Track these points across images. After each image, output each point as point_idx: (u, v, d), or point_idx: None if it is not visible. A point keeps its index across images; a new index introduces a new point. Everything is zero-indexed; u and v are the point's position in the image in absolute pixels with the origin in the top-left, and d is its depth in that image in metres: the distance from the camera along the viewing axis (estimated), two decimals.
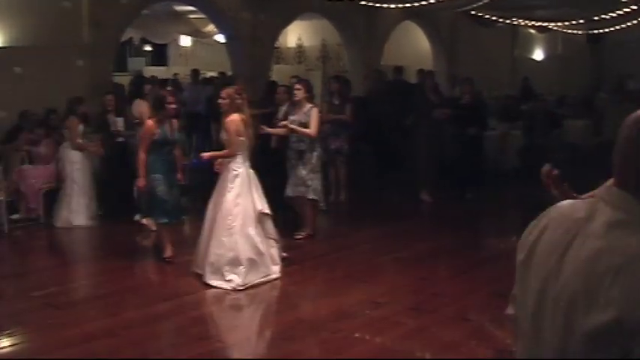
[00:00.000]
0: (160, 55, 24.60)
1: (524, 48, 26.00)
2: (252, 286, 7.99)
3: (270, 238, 8.38)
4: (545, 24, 22.48)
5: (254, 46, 16.66)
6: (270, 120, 11.00)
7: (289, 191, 10.07)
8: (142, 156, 8.93)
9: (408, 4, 16.46)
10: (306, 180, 9.97)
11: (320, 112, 10.41)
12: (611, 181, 2.10)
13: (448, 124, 13.16)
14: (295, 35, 23.01)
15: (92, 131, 11.58)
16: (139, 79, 15.21)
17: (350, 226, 11.59)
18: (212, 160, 8.62)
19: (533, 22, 22.39)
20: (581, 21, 21.18)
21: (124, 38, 16.50)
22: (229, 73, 17.18)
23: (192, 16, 20.64)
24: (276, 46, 19.55)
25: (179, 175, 9.21)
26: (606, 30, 22.19)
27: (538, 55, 26.70)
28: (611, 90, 21.57)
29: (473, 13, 19.60)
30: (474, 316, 7.35)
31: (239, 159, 8.30)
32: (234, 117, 8.34)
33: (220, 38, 18.98)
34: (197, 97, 17.02)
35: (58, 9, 12.76)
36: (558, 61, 25.91)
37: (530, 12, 20.99)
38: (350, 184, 13.07)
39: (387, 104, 15.29)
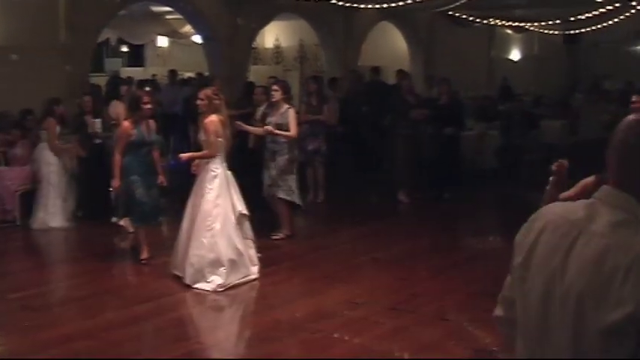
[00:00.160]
0: (136, 56, 24.49)
1: (500, 48, 26.11)
2: (231, 287, 7.99)
3: (248, 239, 8.38)
4: (522, 24, 22.60)
5: (231, 46, 16.63)
6: (248, 121, 10.98)
7: (264, 191, 10.11)
8: (117, 157, 8.92)
9: (385, 5, 16.51)
10: (277, 180, 9.99)
11: (297, 112, 10.41)
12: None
13: (426, 124, 13.20)
14: (273, 36, 22.99)
15: (69, 132, 11.51)
16: (116, 80, 15.15)
17: (328, 226, 11.60)
18: (190, 161, 8.61)
19: (510, 23, 22.50)
20: (558, 21, 21.31)
21: (100, 39, 16.43)
22: (206, 73, 17.13)
23: (169, 16, 20.55)
24: (253, 46, 19.53)
25: (160, 178, 9.18)
26: (582, 30, 22.34)
27: (515, 55, 26.83)
28: (587, 90, 21.70)
29: (450, 13, 19.68)
30: (452, 316, 7.37)
31: (217, 160, 8.28)
32: (213, 118, 8.32)
33: (197, 39, 18.93)
34: (174, 97, 16.94)
35: (34, 10, 12.67)
36: (535, 62, 26.04)
37: (507, 12, 21.10)
38: (328, 184, 13.07)
39: (364, 105, 15.33)
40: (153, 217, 9.22)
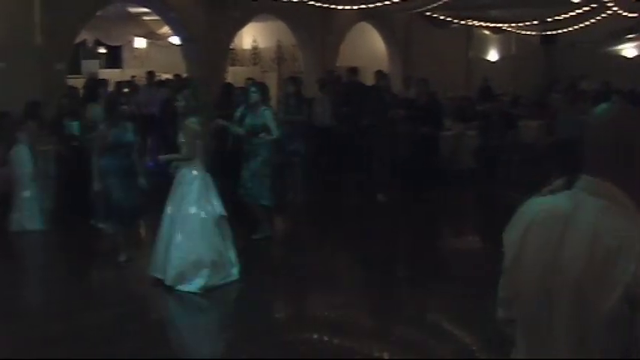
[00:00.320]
0: (114, 58, 24.36)
1: (478, 49, 26.23)
2: (211, 289, 7.96)
3: (228, 240, 8.36)
4: (500, 25, 22.71)
5: (209, 48, 16.61)
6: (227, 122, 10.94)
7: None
8: (95, 160, 8.88)
9: (362, 5, 16.54)
10: (247, 182, 9.93)
11: (275, 113, 10.39)
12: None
13: (403, 124, 13.24)
14: (250, 37, 22.97)
15: (47, 135, 11.43)
16: (93, 82, 15.07)
17: (307, 227, 11.61)
18: (168, 162, 8.59)
19: (487, 24, 22.60)
20: (535, 22, 21.45)
21: (77, 40, 16.33)
22: (184, 75, 17.10)
23: (146, 17, 20.48)
24: (231, 47, 19.51)
25: (141, 180, 9.12)
26: (559, 31, 22.48)
27: (492, 56, 26.94)
28: (564, 90, 21.80)
29: (428, 14, 19.74)
30: (432, 316, 7.40)
31: (196, 162, 8.26)
32: (192, 120, 8.30)
33: (175, 40, 18.88)
34: (152, 99, 16.87)
35: (9, 12, 12.60)
36: (512, 62, 26.15)
37: (484, 12, 21.20)
38: (307, 185, 13.07)
39: (343, 105, 15.34)
40: (131, 220, 9.18)
